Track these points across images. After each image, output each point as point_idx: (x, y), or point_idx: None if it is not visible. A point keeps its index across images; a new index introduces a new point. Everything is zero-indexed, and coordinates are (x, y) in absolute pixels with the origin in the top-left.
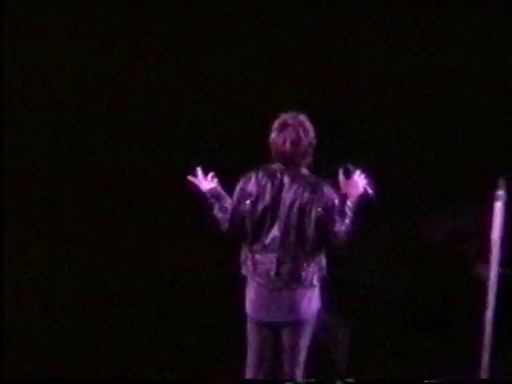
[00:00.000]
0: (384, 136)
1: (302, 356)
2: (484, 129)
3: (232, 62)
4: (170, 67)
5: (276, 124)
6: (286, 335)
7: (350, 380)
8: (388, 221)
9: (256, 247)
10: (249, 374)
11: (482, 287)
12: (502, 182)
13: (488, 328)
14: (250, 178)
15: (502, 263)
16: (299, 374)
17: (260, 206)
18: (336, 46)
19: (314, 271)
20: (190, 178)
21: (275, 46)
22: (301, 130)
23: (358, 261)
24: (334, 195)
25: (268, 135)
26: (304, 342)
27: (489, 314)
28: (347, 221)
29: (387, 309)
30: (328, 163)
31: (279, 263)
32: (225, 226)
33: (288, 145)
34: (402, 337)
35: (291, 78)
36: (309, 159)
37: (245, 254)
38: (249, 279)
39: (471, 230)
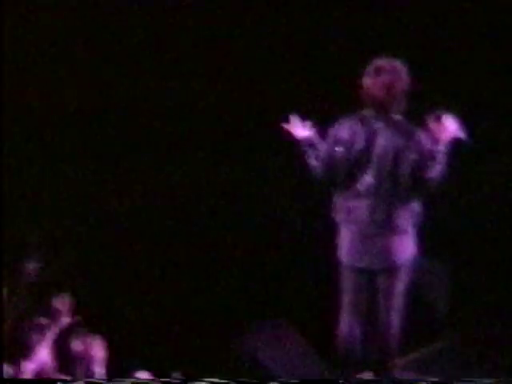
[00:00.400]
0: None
1: (399, 303)
2: None
3: None
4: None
5: (369, 68)
6: (381, 282)
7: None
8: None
9: (349, 193)
10: (344, 322)
11: None
12: None
13: None
14: (342, 125)
15: None
16: (396, 321)
17: (353, 153)
18: None
19: (407, 218)
20: (284, 125)
21: None
22: (395, 75)
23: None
24: (428, 141)
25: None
26: (400, 288)
27: None
28: (440, 166)
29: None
30: (418, 110)
31: (373, 210)
32: (318, 172)
33: (381, 89)
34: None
35: None
36: (402, 105)
37: (338, 200)
38: (342, 226)
39: None
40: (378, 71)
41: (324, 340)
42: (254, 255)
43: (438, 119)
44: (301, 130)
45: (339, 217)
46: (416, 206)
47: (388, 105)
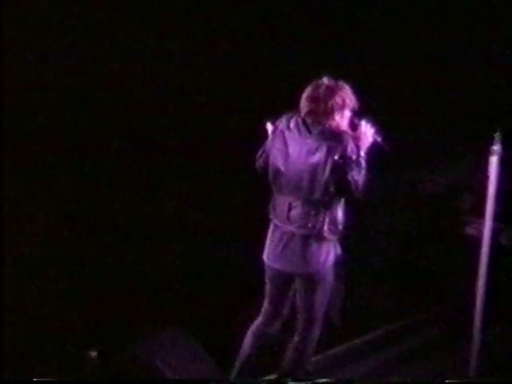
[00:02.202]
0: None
1: (316, 312)
2: (480, 84)
3: None
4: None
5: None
6: (298, 287)
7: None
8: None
9: (276, 187)
10: (259, 324)
11: (476, 242)
12: (497, 136)
13: (481, 281)
14: (281, 122)
15: (496, 218)
16: (313, 331)
17: (282, 149)
18: None
19: (323, 221)
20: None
21: None
22: (327, 92)
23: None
24: (352, 145)
25: None
26: (315, 296)
27: (482, 268)
28: (363, 171)
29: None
30: None
31: (290, 207)
32: (256, 165)
33: (307, 101)
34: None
35: None
36: (333, 122)
37: (272, 197)
38: (271, 223)
39: (466, 185)
40: (318, 86)
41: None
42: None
43: (358, 125)
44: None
45: (270, 212)
46: (337, 211)
47: (314, 116)
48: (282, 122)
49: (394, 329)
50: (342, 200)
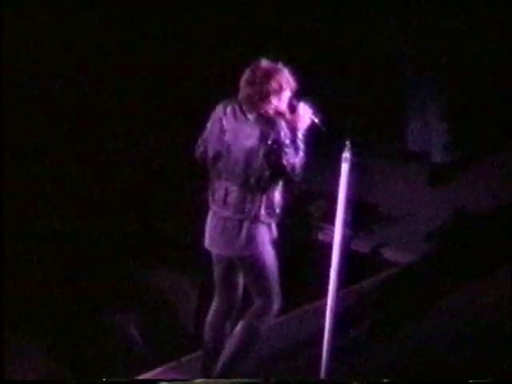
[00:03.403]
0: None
1: (265, 289)
2: (328, 92)
3: None
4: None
5: (251, 65)
6: (242, 270)
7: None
8: None
9: (214, 174)
10: (213, 314)
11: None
12: (348, 144)
13: (332, 286)
14: (219, 109)
15: (348, 225)
16: (270, 308)
17: (219, 136)
18: None
19: (260, 205)
20: None
21: None
22: (263, 75)
23: None
24: (286, 129)
25: None
26: (259, 278)
27: (332, 274)
28: (301, 153)
29: None
30: None
31: (227, 192)
32: (196, 154)
33: (244, 83)
34: None
35: None
36: (270, 106)
37: (210, 181)
38: (210, 209)
39: (319, 191)
40: (255, 68)
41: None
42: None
43: (295, 107)
44: None
45: (209, 198)
46: (274, 195)
47: (250, 99)
48: (218, 109)
49: None
50: (280, 183)
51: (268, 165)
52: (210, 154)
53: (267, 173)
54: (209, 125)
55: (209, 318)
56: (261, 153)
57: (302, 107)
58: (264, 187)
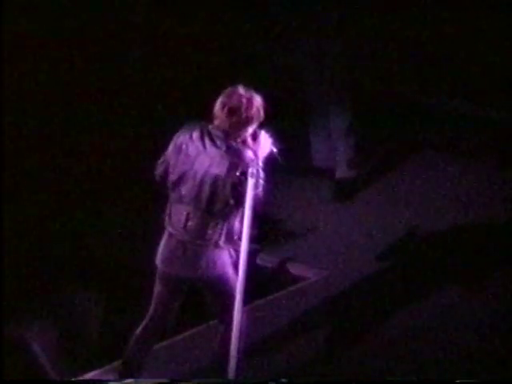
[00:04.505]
0: None
1: (228, 304)
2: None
3: None
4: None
5: (226, 91)
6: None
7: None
8: None
9: (174, 197)
10: (143, 328)
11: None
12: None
13: (238, 298)
14: (183, 132)
15: (253, 240)
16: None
17: (183, 159)
18: None
19: (221, 232)
20: None
21: None
22: (247, 103)
23: None
24: (255, 162)
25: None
26: (221, 295)
27: (239, 287)
28: (261, 181)
29: None
30: None
31: (188, 217)
32: (155, 173)
33: (227, 111)
34: None
35: None
36: (244, 134)
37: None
38: (165, 230)
39: None
40: (231, 94)
41: None
42: None
43: (258, 135)
44: None
45: (165, 220)
46: (235, 221)
47: (228, 127)
48: (183, 133)
49: None
50: (240, 211)
51: (234, 194)
52: (172, 177)
53: (232, 201)
54: (171, 147)
55: (138, 331)
56: (228, 183)
57: (263, 136)
58: (226, 215)
